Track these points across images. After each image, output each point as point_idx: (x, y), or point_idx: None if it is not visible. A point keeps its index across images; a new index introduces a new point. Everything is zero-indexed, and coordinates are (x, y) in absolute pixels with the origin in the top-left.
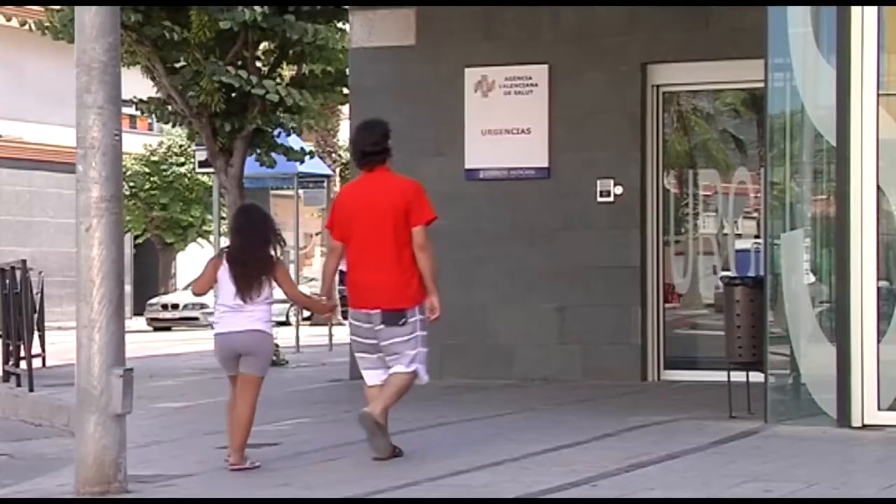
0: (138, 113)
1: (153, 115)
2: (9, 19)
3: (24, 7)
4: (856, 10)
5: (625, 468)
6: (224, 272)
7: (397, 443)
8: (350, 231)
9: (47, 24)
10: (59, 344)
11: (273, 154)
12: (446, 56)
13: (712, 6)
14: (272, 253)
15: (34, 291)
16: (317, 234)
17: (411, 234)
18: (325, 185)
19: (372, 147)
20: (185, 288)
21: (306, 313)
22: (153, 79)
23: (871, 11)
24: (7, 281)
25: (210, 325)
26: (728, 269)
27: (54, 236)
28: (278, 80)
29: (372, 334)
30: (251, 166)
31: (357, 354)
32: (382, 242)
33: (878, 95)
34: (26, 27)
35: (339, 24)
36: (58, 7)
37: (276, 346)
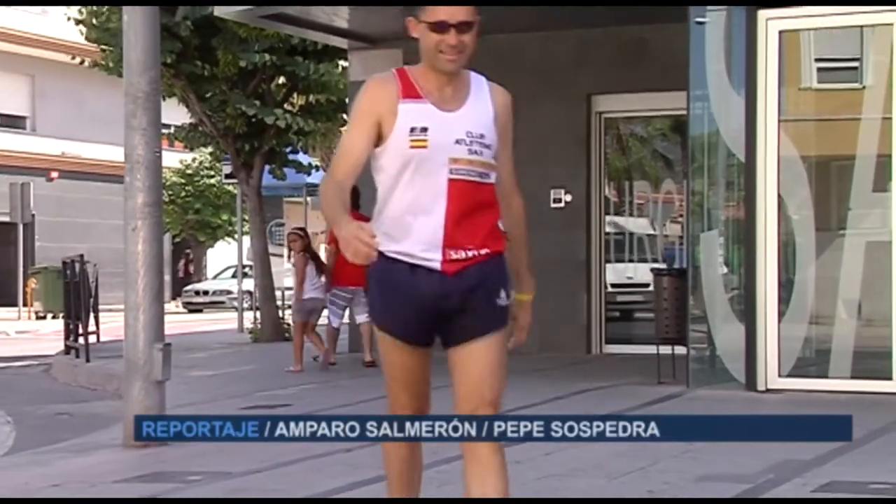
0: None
1: (185, 141)
2: (73, 58)
3: (84, 49)
4: (761, 49)
5: None
6: None
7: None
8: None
9: (102, 62)
10: (110, 323)
11: (285, 168)
12: None
13: (643, 41)
14: None
15: (90, 280)
16: (322, 232)
17: None
18: None
19: None
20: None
21: None
22: (187, 106)
23: (774, 49)
24: (69, 272)
25: (234, 308)
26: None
27: (106, 235)
28: (290, 108)
29: (347, 302)
30: (269, 178)
31: (336, 311)
32: None
33: (780, 121)
34: (85, 64)
35: (340, 62)
36: (110, 47)
37: (282, 320)
